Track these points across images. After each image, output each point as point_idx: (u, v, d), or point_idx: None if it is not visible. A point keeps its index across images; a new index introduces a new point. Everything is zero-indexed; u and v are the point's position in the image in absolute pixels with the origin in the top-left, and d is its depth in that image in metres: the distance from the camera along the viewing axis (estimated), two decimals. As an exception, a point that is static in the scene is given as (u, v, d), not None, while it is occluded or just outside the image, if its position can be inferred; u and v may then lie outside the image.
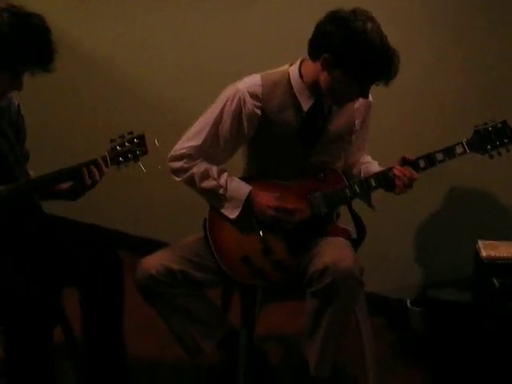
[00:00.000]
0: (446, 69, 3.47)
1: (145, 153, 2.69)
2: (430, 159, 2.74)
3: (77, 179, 2.61)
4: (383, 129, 3.32)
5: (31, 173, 2.82)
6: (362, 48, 2.50)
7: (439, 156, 2.74)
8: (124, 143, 2.66)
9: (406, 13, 3.48)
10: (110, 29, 4.49)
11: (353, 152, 2.96)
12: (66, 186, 2.67)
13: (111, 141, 2.66)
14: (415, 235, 3.71)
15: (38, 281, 2.55)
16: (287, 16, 3.76)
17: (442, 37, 3.44)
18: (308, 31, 2.62)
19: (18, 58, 2.46)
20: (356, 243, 2.88)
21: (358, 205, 2.94)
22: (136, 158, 2.68)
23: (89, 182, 2.59)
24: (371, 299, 3.13)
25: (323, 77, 2.62)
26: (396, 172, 2.71)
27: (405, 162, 2.74)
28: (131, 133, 2.68)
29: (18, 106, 2.81)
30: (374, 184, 2.76)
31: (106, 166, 2.63)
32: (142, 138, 2.68)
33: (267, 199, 2.74)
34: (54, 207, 2.88)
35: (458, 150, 2.74)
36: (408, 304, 3.55)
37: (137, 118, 4.35)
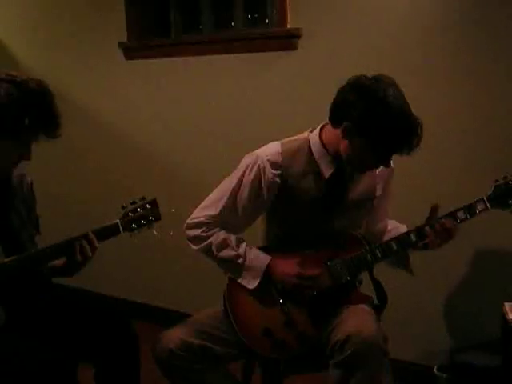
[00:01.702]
0: (462, 123, 3.44)
1: (158, 218, 2.65)
2: (451, 218, 2.67)
3: (69, 254, 2.56)
4: (402, 190, 3.26)
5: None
6: (383, 120, 2.46)
7: (460, 214, 2.68)
8: (136, 209, 2.63)
9: (425, 67, 3.46)
10: (122, 93, 4.54)
11: (376, 218, 2.93)
12: (59, 262, 2.63)
13: (123, 207, 2.63)
14: (440, 299, 3.63)
15: (52, 352, 2.49)
16: (307, 80, 3.77)
17: (460, 91, 3.42)
18: (327, 96, 2.60)
19: (20, 126, 2.43)
20: (378, 309, 2.80)
21: (379, 270, 2.87)
22: (149, 224, 2.64)
23: (79, 258, 2.54)
24: (397, 366, 3.04)
25: (343, 145, 2.59)
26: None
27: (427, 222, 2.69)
28: (143, 198, 2.65)
29: (31, 183, 2.79)
30: (395, 247, 2.70)
31: (118, 233, 2.60)
32: (154, 203, 2.65)
33: (287, 267, 2.69)
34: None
35: (479, 206, 2.67)
36: (435, 370, 3.46)
37: (150, 184, 4.37)
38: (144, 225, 2.63)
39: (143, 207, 2.63)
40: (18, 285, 2.62)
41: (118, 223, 2.59)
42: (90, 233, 2.55)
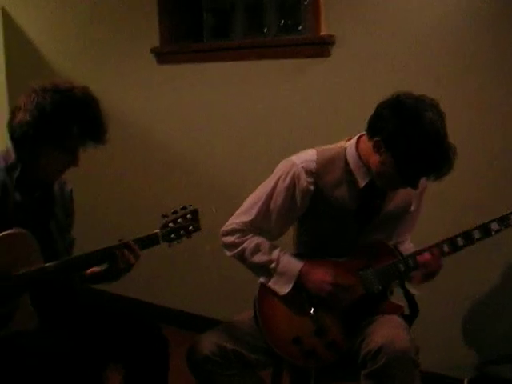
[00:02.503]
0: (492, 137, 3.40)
1: (198, 229, 2.66)
2: (485, 230, 2.64)
3: (110, 261, 2.58)
4: (436, 198, 3.23)
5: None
6: (413, 140, 2.42)
7: (494, 226, 2.64)
8: (177, 220, 2.63)
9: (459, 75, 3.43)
10: (155, 98, 4.54)
11: (401, 232, 2.89)
12: (98, 269, 2.65)
13: (163, 216, 2.62)
14: (471, 310, 3.58)
15: (82, 354, 2.50)
16: (339, 87, 3.74)
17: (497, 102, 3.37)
18: (360, 103, 2.59)
19: (68, 134, 2.47)
20: (409, 320, 2.77)
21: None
22: (188, 235, 2.65)
23: (122, 265, 2.56)
24: (427, 378, 3.00)
25: (373, 159, 2.57)
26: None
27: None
28: (184, 207, 2.65)
29: (71, 190, 2.81)
30: (446, 249, 2.67)
31: (158, 243, 2.59)
32: (195, 213, 2.65)
33: (322, 275, 2.67)
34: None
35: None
36: (465, 383, 3.41)
37: (183, 189, 4.36)
38: (183, 235, 2.63)
39: (184, 217, 2.63)
40: (52, 288, 2.63)
41: (157, 234, 2.60)
42: (131, 242, 2.56)
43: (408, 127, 2.43)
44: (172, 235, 2.61)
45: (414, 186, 2.56)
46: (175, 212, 2.63)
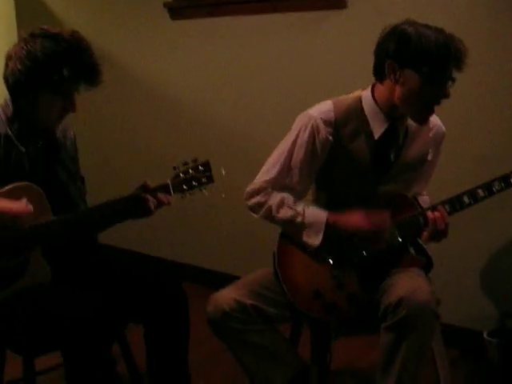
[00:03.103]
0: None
1: (211, 181, 2.60)
2: (505, 180, 2.62)
3: (139, 206, 2.55)
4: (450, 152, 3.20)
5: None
6: (418, 39, 2.48)
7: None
8: (188, 170, 2.58)
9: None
10: (168, 54, 4.51)
11: (418, 181, 2.86)
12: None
13: (174, 168, 2.59)
14: (491, 263, 3.57)
15: (101, 312, 2.51)
16: (356, 39, 3.70)
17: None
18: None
19: (60, 79, 2.46)
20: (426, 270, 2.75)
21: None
22: (201, 186, 2.60)
23: (153, 209, 2.54)
24: (446, 330, 3.01)
25: (397, 91, 2.56)
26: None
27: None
28: (195, 160, 2.60)
29: (74, 136, 2.81)
30: (448, 209, 2.64)
31: (169, 194, 2.57)
32: (207, 164, 2.60)
33: (356, 219, 2.63)
34: (115, 238, 2.84)
35: None
36: (485, 335, 3.41)
37: (198, 147, 4.33)
38: (195, 187, 2.58)
39: (195, 169, 2.58)
40: (66, 242, 2.63)
41: (168, 184, 2.56)
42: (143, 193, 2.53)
43: (408, 34, 2.50)
44: (184, 186, 2.57)
45: (446, 91, 2.54)
46: (186, 163, 2.59)
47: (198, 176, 2.58)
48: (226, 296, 2.67)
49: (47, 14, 5.00)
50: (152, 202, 2.52)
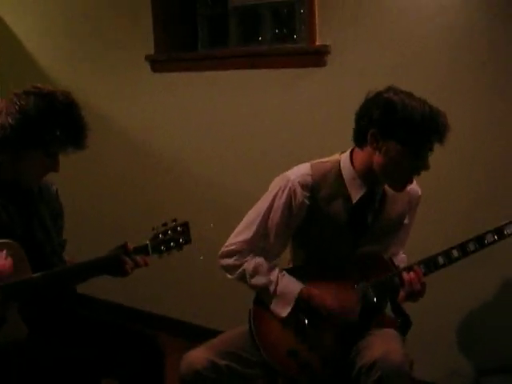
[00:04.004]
0: (482, 145, 3.39)
1: (188, 242, 2.65)
2: (480, 241, 2.63)
3: (117, 267, 2.58)
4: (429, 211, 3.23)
5: (67, 258, 2.79)
6: (403, 111, 2.49)
7: (489, 237, 2.63)
8: (167, 231, 2.62)
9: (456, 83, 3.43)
10: (149, 106, 4.53)
11: (395, 243, 2.88)
12: None
13: (153, 229, 2.62)
14: (466, 321, 3.57)
15: (76, 368, 2.50)
16: (336, 97, 3.74)
17: (486, 111, 3.37)
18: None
19: (49, 138, 2.48)
20: (402, 331, 2.75)
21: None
22: (179, 247, 2.64)
23: (130, 271, 2.57)
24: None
25: (376, 158, 2.57)
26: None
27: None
28: (174, 220, 2.64)
29: (57, 191, 2.81)
30: (423, 270, 2.64)
31: (147, 254, 2.59)
32: (185, 225, 2.64)
33: (326, 298, 2.66)
34: (92, 289, 2.85)
35: (509, 229, 2.62)
36: (461, 394, 3.42)
37: (175, 197, 4.37)
38: (173, 247, 2.63)
39: (174, 230, 2.62)
40: (41, 298, 2.62)
41: (147, 245, 2.60)
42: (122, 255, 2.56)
43: (394, 104, 2.49)
44: (162, 247, 2.61)
45: (426, 163, 2.56)
46: (165, 224, 2.63)
47: (176, 237, 2.62)
48: (200, 356, 2.65)
49: (28, 62, 5.03)
50: (129, 264, 2.55)
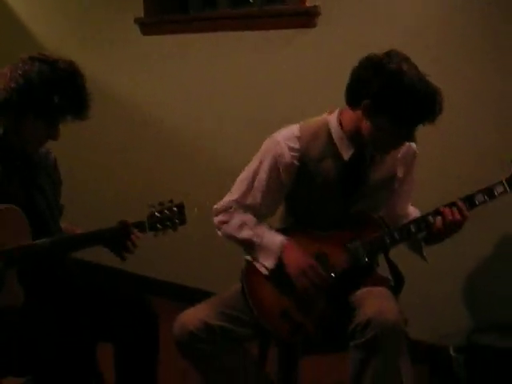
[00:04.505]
0: (485, 104, 3.40)
1: (184, 222, 2.71)
2: (471, 200, 2.65)
3: (104, 243, 2.65)
4: (421, 172, 3.24)
5: (62, 225, 2.81)
6: (402, 91, 2.45)
7: (479, 197, 2.65)
8: (163, 210, 2.67)
9: (443, 51, 3.43)
10: (139, 69, 4.54)
11: (397, 201, 2.89)
12: None
13: (150, 206, 2.67)
14: (458, 279, 3.62)
15: (71, 334, 2.52)
16: (325, 59, 3.75)
17: (481, 75, 3.38)
18: (347, 75, 2.58)
19: (49, 105, 2.48)
20: (395, 291, 2.78)
21: (396, 251, 2.85)
22: (174, 227, 2.69)
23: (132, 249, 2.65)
24: (413, 347, 3.03)
25: (365, 125, 2.57)
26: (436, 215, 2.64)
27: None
28: (171, 201, 2.69)
29: (55, 159, 2.81)
30: (413, 230, 2.67)
31: (144, 231, 2.65)
32: (181, 207, 2.69)
33: (300, 256, 2.67)
34: (87, 253, 2.86)
35: (498, 189, 2.64)
36: (451, 351, 3.44)
37: (169, 163, 4.35)
38: (169, 227, 2.68)
39: (170, 209, 2.67)
40: (38, 264, 2.63)
41: (144, 222, 2.65)
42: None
43: (393, 80, 2.46)
44: (158, 225, 2.66)
45: (412, 138, 2.58)
46: (161, 204, 2.68)
47: (172, 216, 2.67)
48: (193, 317, 2.67)
49: (20, 28, 5.00)
50: (130, 241, 2.64)
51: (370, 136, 2.58)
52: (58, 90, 2.48)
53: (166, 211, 2.66)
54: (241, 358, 2.74)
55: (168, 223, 2.66)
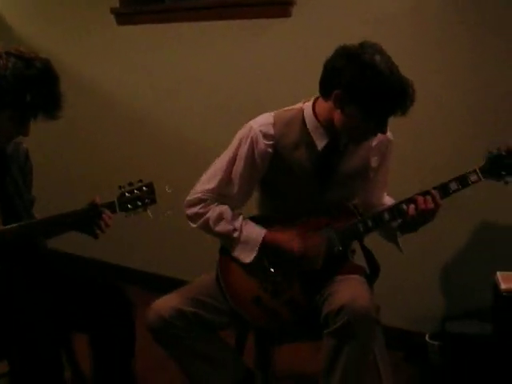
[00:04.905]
0: (460, 95, 3.42)
1: (154, 201, 2.70)
2: (444, 189, 2.65)
3: (88, 223, 2.62)
4: (397, 162, 3.26)
5: (37, 215, 2.80)
6: (373, 81, 2.45)
7: (453, 185, 2.65)
8: (133, 190, 2.67)
9: (417, 42, 3.44)
10: (114, 59, 4.52)
11: (372, 191, 2.90)
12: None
13: (120, 187, 2.67)
14: (432, 267, 3.65)
15: (44, 321, 2.51)
16: (301, 48, 3.75)
17: (455, 64, 3.40)
18: (322, 64, 2.59)
19: (21, 101, 2.46)
20: (370, 279, 2.80)
21: (371, 240, 2.88)
22: (145, 207, 2.69)
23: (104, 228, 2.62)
24: (389, 333, 3.07)
25: (337, 115, 2.57)
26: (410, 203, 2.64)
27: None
28: (140, 181, 2.69)
29: (27, 151, 2.81)
30: (387, 217, 2.68)
31: (115, 211, 2.64)
32: (150, 186, 2.69)
33: (288, 236, 2.69)
34: (60, 242, 2.86)
35: (472, 177, 2.64)
36: (427, 338, 3.47)
37: (143, 152, 4.35)
38: (139, 206, 2.67)
39: (140, 189, 2.66)
40: (11, 251, 2.62)
41: (114, 202, 2.64)
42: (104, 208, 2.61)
43: (365, 71, 2.46)
44: (128, 205, 2.65)
45: (384, 129, 2.58)
46: (131, 184, 2.67)
47: (142, 196, 2.66)
48: (166, 304, 2.69)
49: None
50: (102, 220, 2.61)
51: (341, 126, 2.58)
52: (31, 88, 2.46)
53: (135, 191, 2.66)
54: (216, 345, 2.75)
55: (138, 203, 2.65)
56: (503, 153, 2.64)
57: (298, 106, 2.75)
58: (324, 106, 2.63)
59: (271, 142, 2.68)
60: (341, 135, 2.65)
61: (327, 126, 2.65)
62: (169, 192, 2.70)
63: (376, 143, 2.78)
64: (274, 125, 2.69)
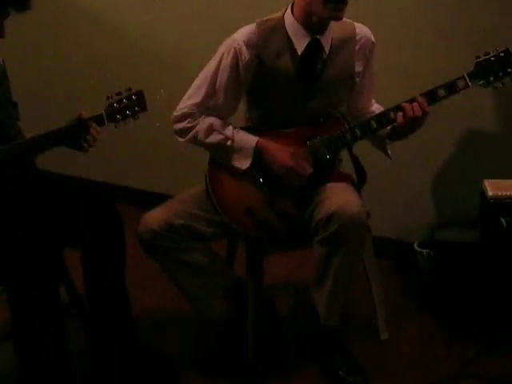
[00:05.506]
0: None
1: (144, 109, 2.65)
2: (432, 96, 2.64)
3: (75, 138, 2.57)
4: (382, 67, 3.22)
5: (28, 135, 2.76)
6: None
7: (440, 92, 2.64)
8: (122, 100, 2.62)
9: None
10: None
11: (359, 97, 2.88)
12: None
13: (108, 97, 2.61)
14: (421, 176, 3.65)
15: (37, 238, 2.51)
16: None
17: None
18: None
19: None
20: (358, 186, 2.81)
21: (360, 148, 2.87)
22: (135, 115, 2.64)
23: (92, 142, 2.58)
24: (378, 242, 3.10)
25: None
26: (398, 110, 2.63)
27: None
28: (129, 89, 2.64)
29: (3, 63, 2.76)
30: (374, 125, 2.68)
31: (103, 123, 2.59)
32: (140, 94, 2.64)
33: (280, 154, 2.68)
34: (50, 163, 2.83)
35: (460, 83, 2.62)
36: (415, 246, 3.51)
37: (135, 72, 4.28)
38: (129, 116, 2.63)
39: (129, 98, 2.62)
40: (4, 169, 2.61)
41: (102, 114, 2.59)
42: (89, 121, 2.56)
43: None
44: (117, 115, 2.61)
45: None
46: (119, 93, 2.62)
47: (131, 105, 2.62)
48: (156, 216, 2.71)
49: None
50: (89, 135, 2.57)
51: (309, 5, 2.56)
52: None
53: (124, 100, 2.61)
54: (206, 256, 2.77)
55: (128, 112, 2.61)
56: (492, 58, 2.63)
57: (278, 14, 2.73)
58: (299, 2, 2.62)
59: (254, 52, 2.67)
60: (322, 30, 2.65)
61: (306, 21, 2.63)
62: (163, 95, 2.66)
63: (359, 47, 2.75)
64: (257, 34, 2.68)
